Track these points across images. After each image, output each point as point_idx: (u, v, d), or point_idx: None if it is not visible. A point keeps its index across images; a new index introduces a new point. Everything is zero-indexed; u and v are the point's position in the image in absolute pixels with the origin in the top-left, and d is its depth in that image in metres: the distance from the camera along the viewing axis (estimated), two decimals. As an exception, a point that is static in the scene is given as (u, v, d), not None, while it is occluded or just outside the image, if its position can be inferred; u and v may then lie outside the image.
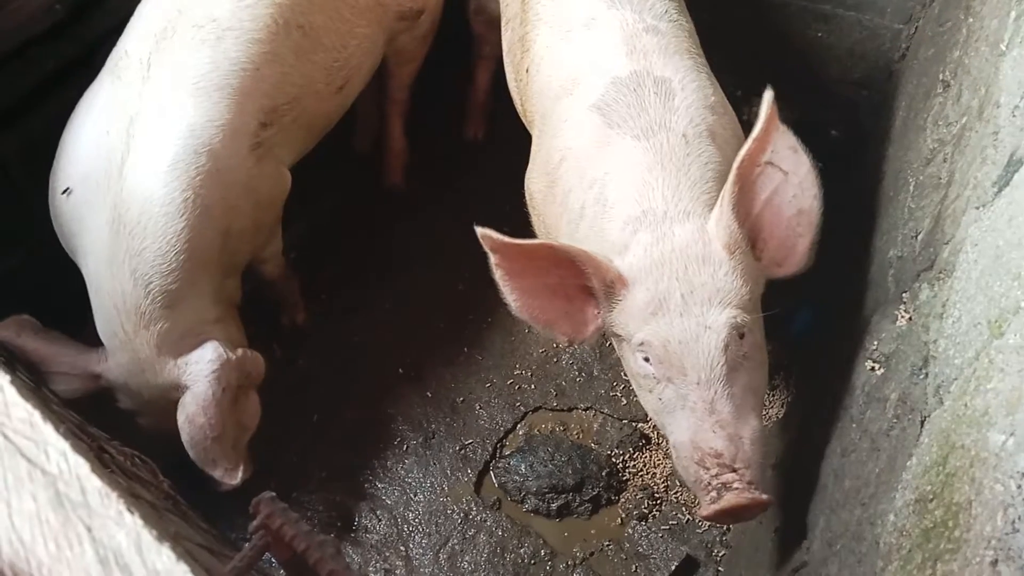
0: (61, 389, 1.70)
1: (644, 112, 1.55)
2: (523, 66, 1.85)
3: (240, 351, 1.77)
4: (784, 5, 2.49)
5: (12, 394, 0.59)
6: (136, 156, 1.62)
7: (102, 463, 0.59)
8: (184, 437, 1.68)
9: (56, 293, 1.78)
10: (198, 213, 1.65)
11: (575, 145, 1.62)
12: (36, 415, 0.58)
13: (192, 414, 1.67)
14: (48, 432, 0.57)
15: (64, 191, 1.67)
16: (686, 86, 1.58)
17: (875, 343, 1.50)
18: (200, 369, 1.69)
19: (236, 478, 1.75)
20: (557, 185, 1.67)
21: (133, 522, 0.58)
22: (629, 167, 1.53)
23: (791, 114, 2.68)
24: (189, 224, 1.64)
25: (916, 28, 2.32)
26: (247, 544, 0.78)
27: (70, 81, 1.83)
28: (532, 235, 2.50)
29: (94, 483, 0.59)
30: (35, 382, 1.62)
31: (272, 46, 1.76)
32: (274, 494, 0.82)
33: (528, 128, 1.97)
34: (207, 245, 1.70)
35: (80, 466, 0.57)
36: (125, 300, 1.66)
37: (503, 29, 2.06)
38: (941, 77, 1.83)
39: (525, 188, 1.87)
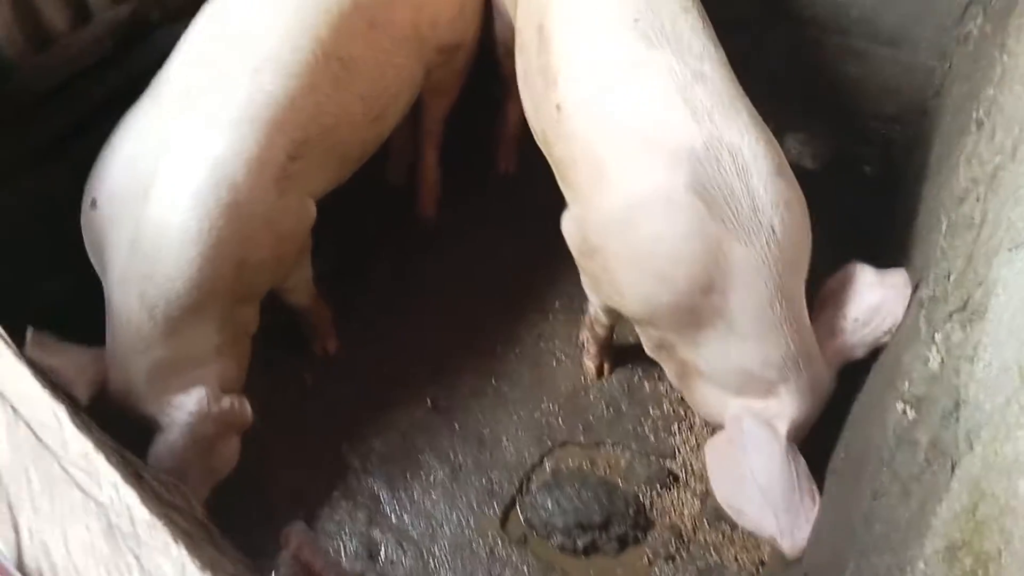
0: (75, 394, 1.69)
1: (737, 201, 1.56)
2: (549, 100, 1.83)
3: (226, 401, 1.77)
4: (817, 41, 2.50)
5: (70, 429, 0.62)
6: (161, 182, 1.65)
7: (143, 491, 0.61)
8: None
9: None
10: (212, 243, 1.67)
11: (675, 232, 1.58)
12: (90, 447, 0.60)
13: (159, 455, 1.68)
14: (101, 464, 0.60)
15: (92, 204, 1.72)
16: (756, 154, 1.59)
17: (907, 384, 1.47)
18: (178, 416, 1.70)
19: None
20: (646, 262, 1.65)
21: (179, 552, 0.60)
22: (751, 294, 1.59)
23: (824, 150, 2.68)
24: (202, 253, 1.66)
25: (951, 65, 2.30)
26: (276, 574, 0.79)
27: (115, 113, 1.90)
28: (563, 270, 2.53)
29: (143, 514, 0.62)
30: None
31: (310, 78, 1.78)
32: (304, 524, 0.83)
33: (544, 151, 1.97)
34: (219, 275, 1.71)
35: (130, 497, 0.59)
36: (129, 320, 1.68)
37: (516, 54, 2.06)
38: (975, 115, 1.81)
39: (571, 231, 1.85)
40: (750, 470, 1.68)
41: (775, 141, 1.69)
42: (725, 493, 1.72)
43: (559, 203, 2.61)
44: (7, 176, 1.89)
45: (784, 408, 1.69)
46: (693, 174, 1.56)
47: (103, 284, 1.75)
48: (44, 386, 0.62)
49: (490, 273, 2.57)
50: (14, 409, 0.59)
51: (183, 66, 1.76)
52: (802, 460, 1.69)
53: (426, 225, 2.67)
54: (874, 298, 1.70)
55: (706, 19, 1.80)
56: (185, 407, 1.71)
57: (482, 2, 2.32)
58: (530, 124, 2.03)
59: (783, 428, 1.68)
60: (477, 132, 2.72)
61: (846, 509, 1.55)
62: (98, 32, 1.94)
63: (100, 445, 0.60)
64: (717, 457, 1.76)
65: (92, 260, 1.78)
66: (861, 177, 2.63)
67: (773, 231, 1.58)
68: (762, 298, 1.60)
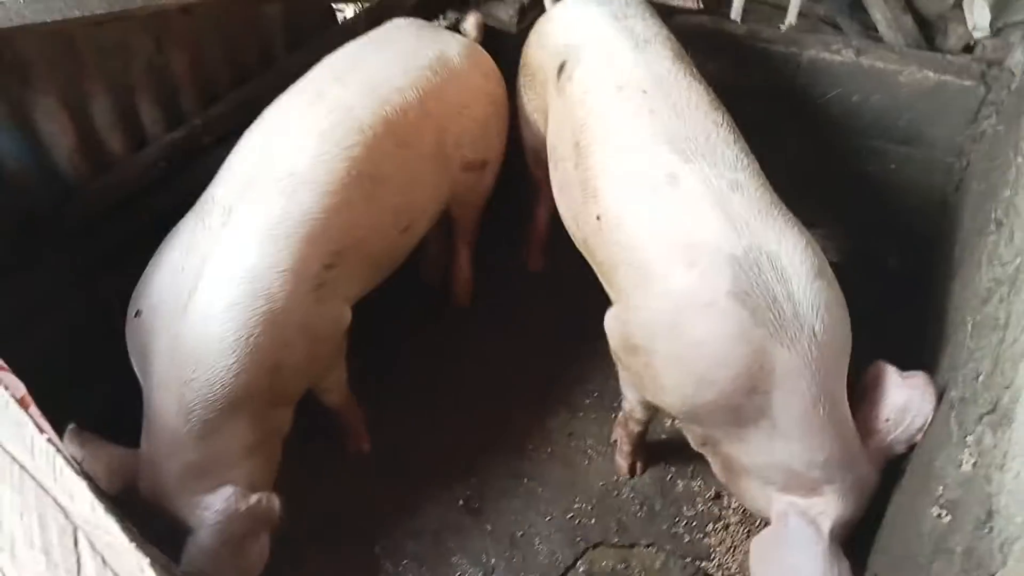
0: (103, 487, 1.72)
1: (779, 306, 1.60)
2: (589, 211, 1.89)
3: (253, 499, 1.79)
4: (834, 140, 2.57)
5: (152, 575, 0.67)
6: (200, 295, 1.73)
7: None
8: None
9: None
10: (249, 351, 1.74)
11: (720, 336, 1.62)
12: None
13: (192, 558, 1.71)
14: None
15: (136, 313, 1.81)
16: (794, 259, 1.65)
17: (941, 488, 1.46)
18: (207, 517, 1.73)
19: None
20: (691, 364, 1.68)
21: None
22: (793, 396, 1.62)
23: (847, 243, 2.72)
24: (239, 361, 1.73)
25: (968, 162, 2.36)
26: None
27: (166, 229, 2.02)
28: (592, 368, 2.56)
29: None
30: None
31: (344, 196, 1.88)
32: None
33: (586, 256, 2.03)
34: (255, 381, 1.77)
35: None
36: (166, 424, 1.74)
37: (552, 169, 2.15)
38: (994, 216, 1.85)
39: (622, 323, 1.87)
40: (792, 567, 1.68)
41: (813, 243, 1.73)
42: None
43: (587, 303, 2.67)
44: (64, 289, 2.00)
45: (829, 507, 1.69)
46: (735, 280, 1.61)
47: (143, 389, 1.82)
48: (131, 538, 0.67)
49: (520, 372, 2.62)
50: (104, 560, 0.64)
51: (225, 184, 1.87)
52: (846, 562, 1.67)
53: (460, 311, 2.77)
54: (901, 398, 1.71)
55: (737, 133, 1.88)
56: (214, 507, 1.74)
57: (507, 122, 2.44)
58: (570, 232, 2.10)
59: (827, 527, 1.68)
60: (509, 232, 2.82)
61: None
62: (154, 155, 2.08)
63: (141, 544, 0.64)
64: (761, 551, 1.75)
65: (135, 366, 1.86)
66: (884, 270, 2.66)
67: (814, 334, 1.61)
68: (806, 400, 1.62)
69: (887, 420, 1.71)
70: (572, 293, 2.85)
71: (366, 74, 2.03)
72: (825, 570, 1.64)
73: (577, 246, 2.08)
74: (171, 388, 1.73)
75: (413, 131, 2.06)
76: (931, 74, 2.35)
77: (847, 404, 1.70)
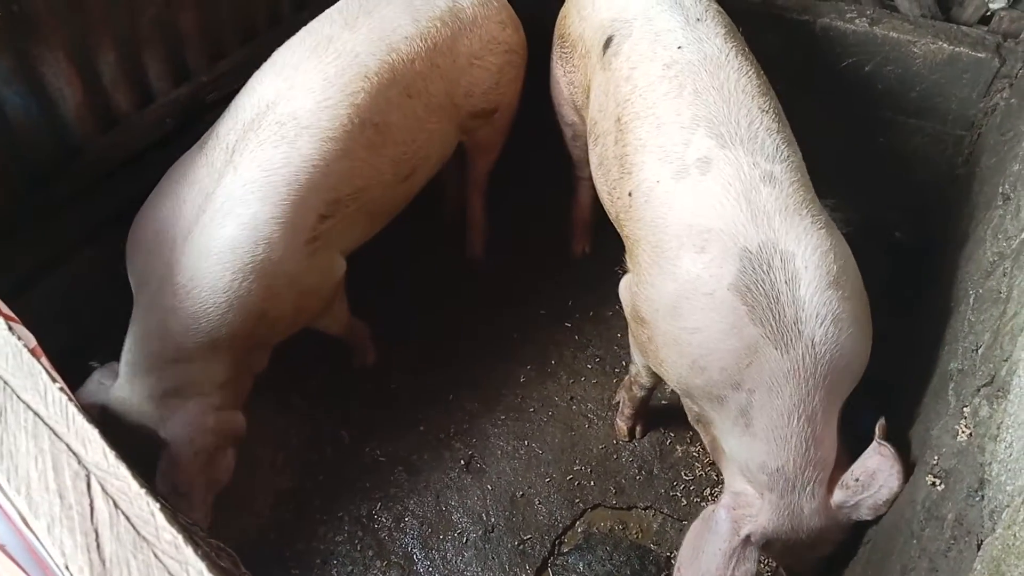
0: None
1: (780, 307, 1.57)
2: (624, 187, 1.88)
3: (221, 415, 1.87)
4: (845, 112, 2.55)
5: (161, 520, 0.70)
6: (200, 230, 1.77)
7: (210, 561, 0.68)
8: (158, 487, 1.78)
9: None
10: (241, 295, 1.78)
11: (715, 327, 1.61)
12: (180, 539, 0.68)
13: (165, 471, 1.79)
14: (189, 554, 0.67)
15: (139, 230, 1.85)
16: (809, 263, 1.59)
17: (936, 457, 1.49)
18: (177, 432, 1.81)
19: (203, 526, 1.83)
20: (685, 348, 1.69)
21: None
22: (774, 399, 1.60)
23: (855, 215, 2.72)
24: (228, 301, 1.77)
25: (979, 135, 2.34)
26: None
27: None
28: (595, 334, 2.57)
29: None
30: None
31: (345, 143, 1.88)
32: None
33: (617, 229, 2.03)
34: (239, 323, 1.81)
35: None
36: (144, 344, 1.79)
37: (591, 144, 2.13)
38: (1001, 189, 1.85)
39: (633, 295, 1.88)
40: (702, 552, 1.71)
41: (841, 251, 1.65)
42: (685, 554, 1.75)
43: (593, 273, 2.69)
44: (74, 245, 2.02)
45: (759, 515, 1.69)
46: (740, 274, 1.59)
47: (134, 306, 1.86)
48: (141, 484, 0.70)
49: (523, 337, 2.64)
50: (116, 504, 0.67)
51: (230, 120, 1.88)
52: (750, 568, 1.67)
53: (475, 266, 2.79)
54: (872, 463, 1.64)
55: (784, 120, 1.82)
56: (184, 419, 1.82)
57: (523, 69, 2.40)
58: (604, 206, 2.10)
59: (746, 531, 1.67)
60: (520, 200, 2.82)
61: (877, 583, 1.55)
62: (160, 112, 2.08)
63: (187, 537, 0.68)
64: (698, 524, 1.77)
65: (130, 280, 1.89)
66: (892, 242, 2.66)
67: (812, 344, 1.56)
68: (781, 406, 1.60)
69: (856, 480, 1.65)
70: (579, 262, 2.87)
71: (376, 21, 2.01)
72: (722, 565, 1.66)
73: (612, 221, 2.07)
74: (157, 312, 1.78)
75: (420, 81, 2.04)
76: (945, 45, 2.32)
77: (833, 428, 1.64)
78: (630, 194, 1.85)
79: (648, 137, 1.82)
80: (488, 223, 2.76)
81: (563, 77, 2.36)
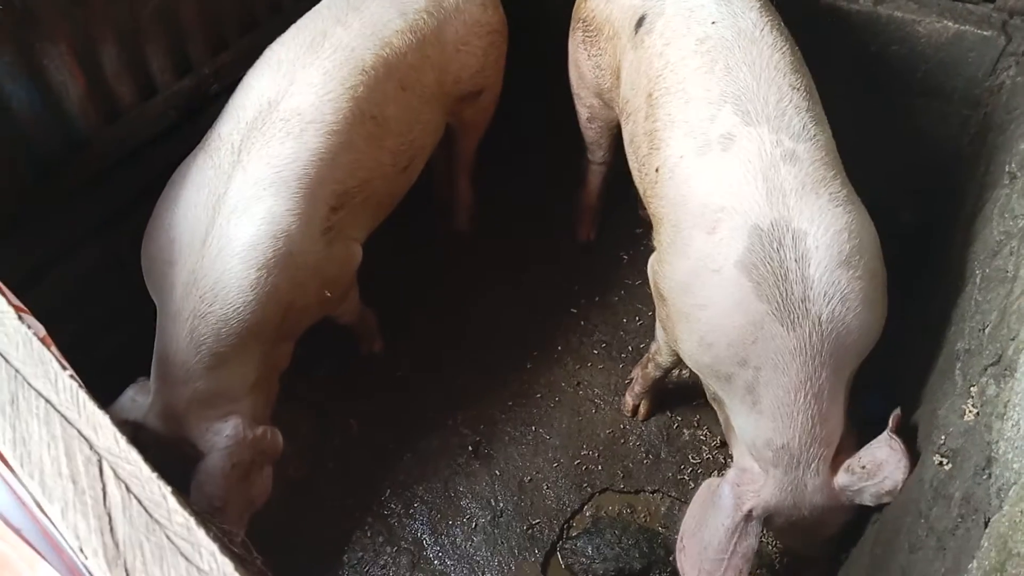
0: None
1: (789, 285, 1.57)
2: (652, 163, 1.87)
3: (259, 430, 1.86)
4: (849, 92, 2.53)
5: (173, 503, 0.71)
6: (218, 232, 1.77)
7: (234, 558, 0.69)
8: (192, 499, 1.77)
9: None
10: (267, 290, 1.79)
11: (721, 303, 1.63)
12: (192, 521, 0.69)
13: (201, 482, 1.77)
14: (201, 536, 0.68)
15: (151, 243, 1.85)
16: (821, 243, 1.58)
17: (943, 437, 1.49)
18: (216, 441, 1.80)
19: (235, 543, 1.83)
20: (694, 324, 1.71)
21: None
22: (780, 376, 1.61)
23: (862, 197, 2.71)
24: (257, 298, 1.78)
25: (985, 114, 2.32)
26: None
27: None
28: (601, 320, 2.57)
29: (238, 580, 0.69)
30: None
31: (348, 136, 1.91)
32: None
33: (645, 205, 2.02)
34: (268, 319, 1.82)
35: (226, 565, 0.67)
36: (176, 353, 1.79)
37: (623, 121, 2.13)
38: (1007, 168, 1.84)
39: (654, 272, 1.89)
40: (705, 524, 1.72)
41: (860, 230, 1.63)
42: (688, 524, 1.76)
43: (599, 259, 2.69)
44: (80, 237, 2.02)
45: (761, 490, 1.70)
46: (748, 252, 1.59)
47: (158, 318, 1.86)
48: (152, 468, 0.71)
49: (530, 322, 2.65)
50: (128, 488, 0.68)
51: (231, 121, 1.88)
52: (752, 543, 1.68)
53: (463, 239, 2.84)
54: (881, 454, 1.64)
55: (815, 98, 1.80)
56: (224, 432, 1.81)
57: (504, 48, 2.43)
58: (635, 182, 2.10)
59: (748, 506, 1.69)
60: (527, 186, 2.82)
61: (885, 561, 1.56)
62: (163, 105, 2.08)
63: (199, 519, 0.68)
64: (702, 494, 1.79)
65: (151, 293, 1.89)
66: (898, 223, 2.64)
67: (819, 322, 1.57)
68: (787, 383, 1.61)
69: (863, 467, 1.66)
70: (585, 248, 2.87)
71: (366, 16, 2.03)
72: (724, 540, 1.68)
73: (641, 197, 2.07)
74: (185, 320, 1.78)
75: (413, 73, 2.08)
76: (950, 24, 2.30)
77: (840, 406, 1.65)
78: (657, 170, 1.85)
79: (676, 112, 1.81)
80: (476, 199, 2.80)
81: (587, 60, 2.34)
